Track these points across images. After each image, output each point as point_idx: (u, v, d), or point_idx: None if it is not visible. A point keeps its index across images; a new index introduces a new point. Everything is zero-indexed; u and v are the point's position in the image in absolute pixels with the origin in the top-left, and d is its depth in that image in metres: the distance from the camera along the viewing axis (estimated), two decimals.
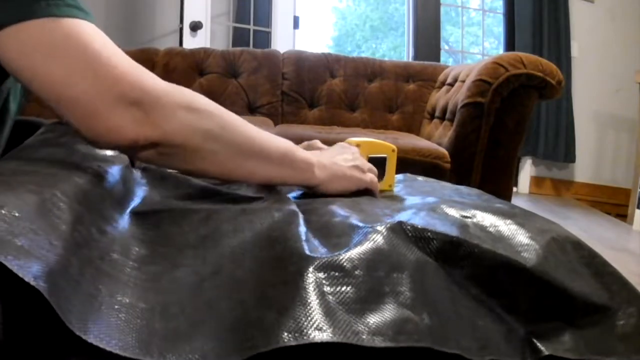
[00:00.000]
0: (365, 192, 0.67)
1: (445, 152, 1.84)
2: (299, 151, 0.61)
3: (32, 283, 0.33)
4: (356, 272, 0.42)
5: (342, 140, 0.74)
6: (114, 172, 0.54)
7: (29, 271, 0.33)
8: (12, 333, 0.35)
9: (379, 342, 0.38)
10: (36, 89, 0.49)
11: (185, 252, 0.46)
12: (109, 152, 0.57)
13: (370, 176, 0.68)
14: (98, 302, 0.38)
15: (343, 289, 0.41)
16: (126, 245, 0.45)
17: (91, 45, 0.48)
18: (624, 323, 0.48)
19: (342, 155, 0.67)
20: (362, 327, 0.39)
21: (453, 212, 0.55)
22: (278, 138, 0.60)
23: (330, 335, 0.37)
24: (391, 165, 0.75)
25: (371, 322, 0.39)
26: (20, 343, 0.36)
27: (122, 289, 0.40)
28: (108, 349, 0.35)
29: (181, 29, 3.05)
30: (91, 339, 0.35)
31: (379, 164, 0.74)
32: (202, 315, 0.40)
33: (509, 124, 1.83)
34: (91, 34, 0.49)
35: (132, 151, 0.51)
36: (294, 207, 0.54)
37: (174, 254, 0.46)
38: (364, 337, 0.38)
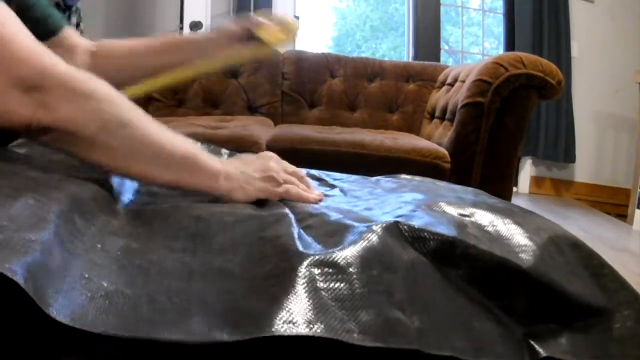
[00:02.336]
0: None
1: (445, 152, 1.84)
2: (203, 158, 0.59)
3: (8, 274, 0.33)
4: (350, 270, 0.42)
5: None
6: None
7: (6, 263, 0.34)
8: (5, 329, 0.35)
9: (369, 342, 0.38)
10: None
11: (175, 248, 0.46)
12: None
13: (286, 187, 0.63)
14: (83, 290, 0.38)
15: (336, 285, 0.41)
16: (115, 239, 0.46)
17: None
18: (621, 326, 0.48)
19: (253, 165, 0.63)
20: (354, 325, 0.39)
21: (451, 210, 0.55)
22: (184, 142, 0.58)
23: (323, 329, 0.37)
24: (285, 32, 0.78)
25: (363, 320, 0.39)
26: (15, 340, 0.37)
27: (108, 277, 0.41)
28: (91, 330, 0.36)
29: (181, 29, 3.05)
30: (72, 322, 0.35)
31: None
32: (189, 304, 0.40)
33: (509, 124, 1.83)
34: None
35: (27, 134, 0.50)
36: (284, 209, 0.54)
37: (164, 249, 0.46)
38: (355, 335, 0.38)
